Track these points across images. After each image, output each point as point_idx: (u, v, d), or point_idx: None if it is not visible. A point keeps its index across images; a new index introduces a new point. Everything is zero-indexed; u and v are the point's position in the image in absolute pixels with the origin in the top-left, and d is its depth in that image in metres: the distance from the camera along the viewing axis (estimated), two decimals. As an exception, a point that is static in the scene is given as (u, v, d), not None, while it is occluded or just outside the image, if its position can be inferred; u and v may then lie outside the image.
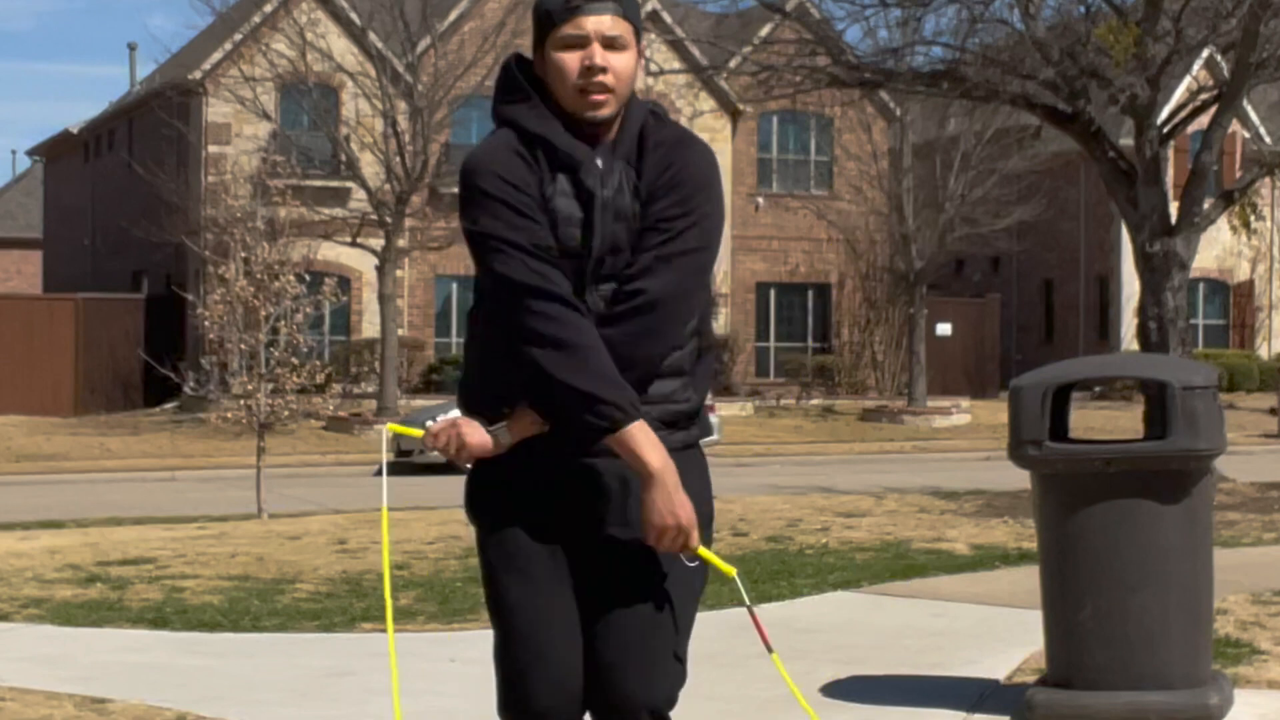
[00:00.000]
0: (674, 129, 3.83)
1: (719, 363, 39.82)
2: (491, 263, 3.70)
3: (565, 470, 3.78)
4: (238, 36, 38.75)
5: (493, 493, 3.86)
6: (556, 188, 3.72)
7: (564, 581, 3.83)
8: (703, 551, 3.81)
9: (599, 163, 3.73)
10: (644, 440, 3.67)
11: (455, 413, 3.86)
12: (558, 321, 3.64)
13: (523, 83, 3.80)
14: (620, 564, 3.81)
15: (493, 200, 3.70)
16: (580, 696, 3.83)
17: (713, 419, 26.49)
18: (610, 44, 3.70)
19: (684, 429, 3.86)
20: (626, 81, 3.73)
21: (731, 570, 3.88)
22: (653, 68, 28.07)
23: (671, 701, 3.86)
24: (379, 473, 27.93)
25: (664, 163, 3.75)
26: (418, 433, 3.95)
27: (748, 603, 4.07)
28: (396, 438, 28.90)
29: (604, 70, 3.68)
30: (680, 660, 3.86)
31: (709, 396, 4.15)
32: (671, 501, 3.67)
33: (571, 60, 3.69)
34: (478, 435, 3.77)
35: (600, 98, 3.70)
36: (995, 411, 35.96)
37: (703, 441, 3.98)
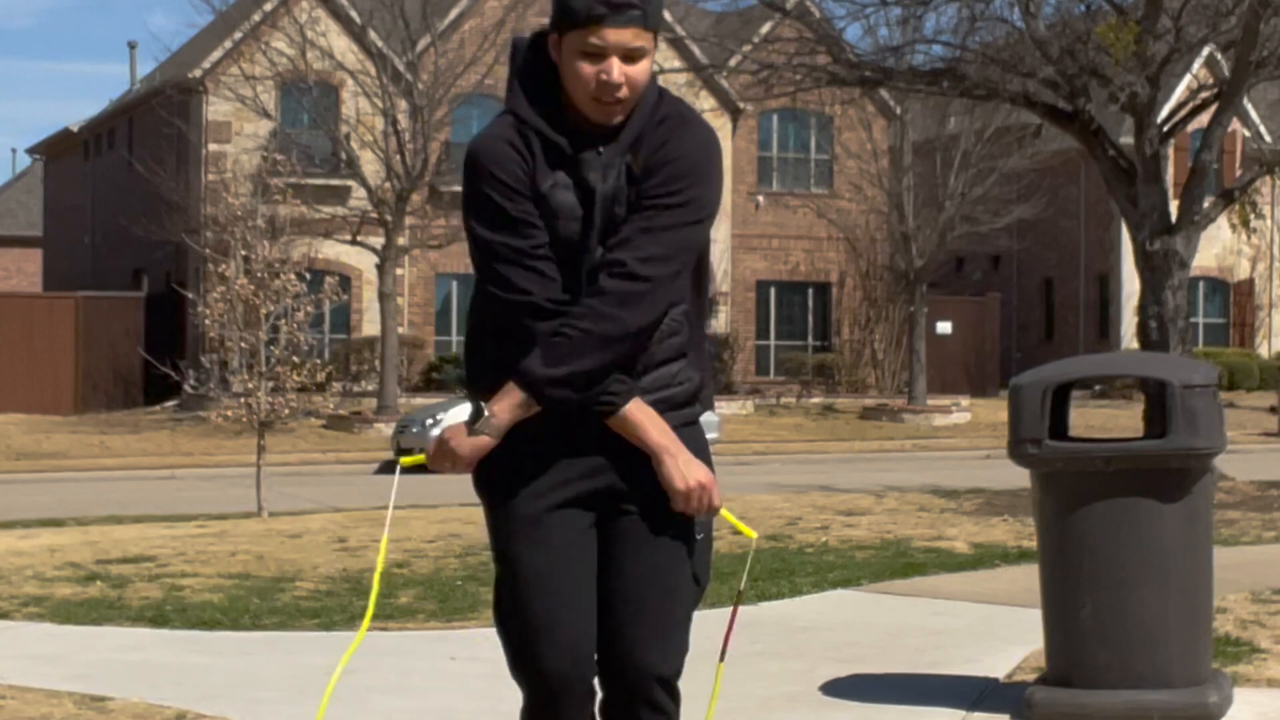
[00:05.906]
0: (676, 106, 3.81)
1: (719, 360, 39.82)
2: (480, 265, 3.75)
3: (579, 433, 3.75)
4: (238, 35, 38.76)
5: (504, 460, 3.79)
6: (556, 180, 3.72)
7: (578, 545, 3.81)
8: (725, 513, 3.86)
9: (601, 156, 3.73)
10: (642, 419, 3.70)
11: (453, 413, 3.87)
12: (541, 320, 3.67)
13: (528, 72, 3.78)
14: (638, 529, 3.81)
15: (487, 201, 3.71)
16: (592, 661, 3.83)
17: (713, 417, 26.47)
18: (629, 56, 3.67)
19: (687, 407, 3.86)
20: (640, 89, 3.73)
21: (752, 534, 3.99)
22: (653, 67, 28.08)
23: (679, 673, 3.88)
24: (380, 470, 28.07)
25: (661, 139, 3.74)
26: (421, 458, 3.97)
27: (742, 587, 4.20)
28: (398, 446, 28.94)
29: (620, 86, 3.67)
30: (687, 632, 3.89)
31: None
32: (683, 468, 3.72)
33: (588, 70, 3.66)
34: (467, 444, 3.75)
35: (614, 109, 3.70)
36: (995, 410, 35.94)
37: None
